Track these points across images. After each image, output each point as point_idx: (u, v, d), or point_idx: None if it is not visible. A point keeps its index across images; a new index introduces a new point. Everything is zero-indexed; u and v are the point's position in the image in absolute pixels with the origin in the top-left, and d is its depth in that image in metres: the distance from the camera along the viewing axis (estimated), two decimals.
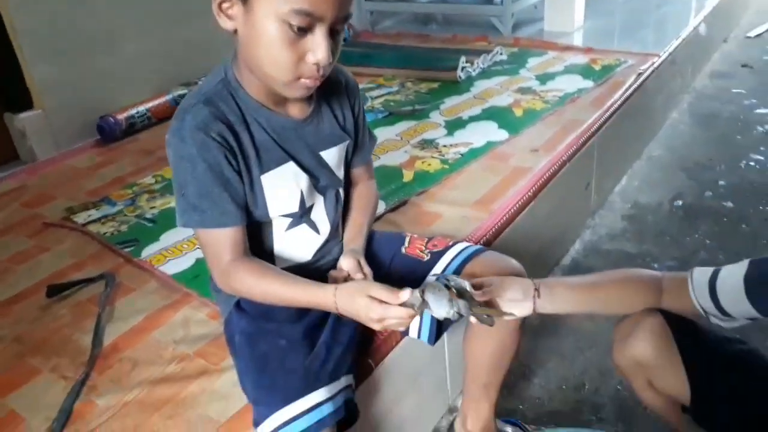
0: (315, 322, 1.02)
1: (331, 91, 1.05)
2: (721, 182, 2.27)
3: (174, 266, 1.42)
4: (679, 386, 0.99)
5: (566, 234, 1.97)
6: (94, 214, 1.70)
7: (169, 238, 1.54)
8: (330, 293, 0.91)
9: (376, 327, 0.91)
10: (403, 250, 1.17)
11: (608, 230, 2.05)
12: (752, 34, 3.75)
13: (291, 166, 1.00)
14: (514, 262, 1.14)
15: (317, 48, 0.86)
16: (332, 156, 1.07)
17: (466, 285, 0.96)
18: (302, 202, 1.03)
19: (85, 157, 2.12)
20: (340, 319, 1.03)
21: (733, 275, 0.92)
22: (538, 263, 1.80)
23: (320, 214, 1.08)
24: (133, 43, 2.35)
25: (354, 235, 1.11)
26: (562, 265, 1.90)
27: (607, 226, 2.08)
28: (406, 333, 1.17)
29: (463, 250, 1.14)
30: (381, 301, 0.88)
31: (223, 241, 0.95)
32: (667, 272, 1.04)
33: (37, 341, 1.25)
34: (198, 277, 1.36)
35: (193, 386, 1.10)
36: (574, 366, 1.54)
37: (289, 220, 1.04)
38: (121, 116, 2.20)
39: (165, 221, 1.62)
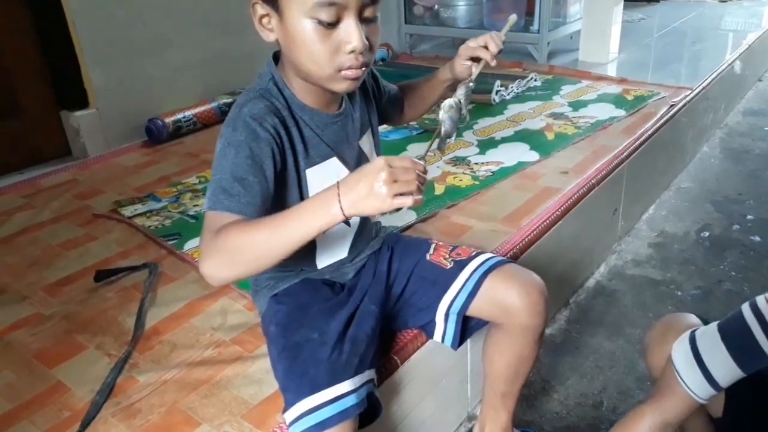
0: (347, 319, 1.07)
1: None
2: (749, 216, 2.27)
3: None
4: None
5: (592, 256, 2.00)
6: (140, 208, 1.79)
7: None
8: (332, 186, 0.81)
9: (388, 198, 0.78)
10: (428, 256, 1.20)
11: (634, 256, 2.08)
12: None
13: (334, 161, 1.06)
14: (535, 276, 1.16)
15: (350, 35, 0.90)
16: (366, 142, 1.14)
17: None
18: None
19: (133, 156, 2.23)
20: (365, 312, 1.09)
21: (708, 328, 0.93)
22: (563, 283, 1.84)
23: None
24: (182, 51, 2.47)
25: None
26: (586, 287, 1.93)
27: (633, 252, 2.10)
28: (430, 335, 1.22)
29: (485, 261, 1.16)
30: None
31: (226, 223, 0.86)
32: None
33: (84, 320, 1.33)
34: None
35: (228, 370, 1.16)
36: (594, 384, 1.56)
37: None
38: (169, 119, 2.31)
39: None
